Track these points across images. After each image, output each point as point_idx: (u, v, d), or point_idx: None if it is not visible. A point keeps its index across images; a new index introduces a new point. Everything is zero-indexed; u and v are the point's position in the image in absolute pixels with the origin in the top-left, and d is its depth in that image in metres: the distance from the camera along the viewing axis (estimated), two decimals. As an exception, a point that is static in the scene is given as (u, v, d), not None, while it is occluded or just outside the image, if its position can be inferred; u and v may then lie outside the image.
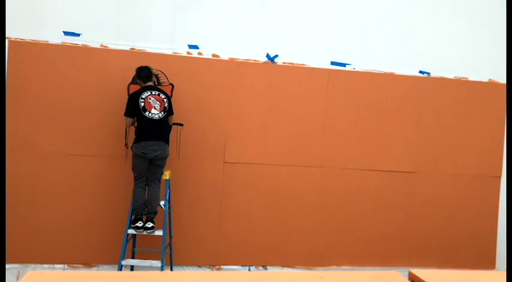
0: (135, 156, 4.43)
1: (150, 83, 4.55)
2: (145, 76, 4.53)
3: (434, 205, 5.42)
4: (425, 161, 5.41)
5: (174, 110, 4.61)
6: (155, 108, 4.39)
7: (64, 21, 4.75)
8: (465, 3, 5.49)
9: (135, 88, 4.76)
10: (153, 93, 4.43)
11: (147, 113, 4.38)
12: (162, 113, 4.43)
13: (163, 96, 4.46)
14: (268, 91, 5.11)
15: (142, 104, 4.38)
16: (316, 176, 5.20)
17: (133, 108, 4.39)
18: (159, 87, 4.66)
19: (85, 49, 4.79)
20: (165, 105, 4.45)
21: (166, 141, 4.52)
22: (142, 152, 4.35)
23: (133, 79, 4.74)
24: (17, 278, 4.65)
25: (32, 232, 4.69)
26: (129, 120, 4.48)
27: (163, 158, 4.48)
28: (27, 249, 4.69)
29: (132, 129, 4.57)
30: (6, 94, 4.49)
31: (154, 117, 4.39)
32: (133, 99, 4.42)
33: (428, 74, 5.43)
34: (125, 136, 4.74)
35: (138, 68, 4.55)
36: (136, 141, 4.41)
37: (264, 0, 5.14)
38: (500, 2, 5.38)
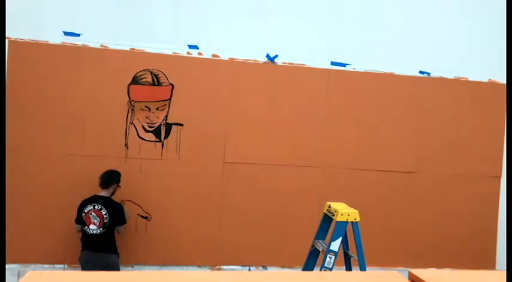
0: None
1: (105, 192, 4.47)
2: (102, 182, 4.47)
3: (434, 205, 5.42)
4: (425, 161, 5.41)
5: (126, 220, 4.54)
6: (94, 224, 4.36)
7: (64, 21, 4.75)
8: (465, 3, 5.48)
9: (135, 88, 4.77)
10: (96, 207, 4.38)
11: (86, 227, 4.38)
12: (101, 229, 4.37)
13: (104, 212, 4.37)
14: (268, 91, 5.11)
15: (83, 218, 4.39)
16: (316, 176, 5.20)
17: (79, 217, 4.42)
18: (160, 87, 4.66)
19: (85, 49, 4.78)
20: (105, 221, 4.37)
21: (110, 249, 4.43)
22: (82, 263, 4.41)
23: (133, 79, 4.75)
24: (17, 278, 4.65)
25: (32, 232, 4.70)
26: (77, 227, 4.48)
27: (108, 270, 4.27)
28: (27, 249, 4.69)
29: (133, 129, 4.58)
30: (6, 94, 4.48)
31: (94, 233, 4.36)
32: (80, 207, 4.43)
33: (428, 74, 5.43)
34: (125, 136, 4.75)
35: (103, 172, 4.50)
36: (81, 248, 4.44)
37: (264, 0, 5.14)
38: (500, 2, 5.37)
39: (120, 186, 4.62)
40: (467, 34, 5.48)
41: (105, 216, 4.38)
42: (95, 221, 4.36)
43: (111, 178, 4.51)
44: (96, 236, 4.36)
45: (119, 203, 4.58)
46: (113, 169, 4.60)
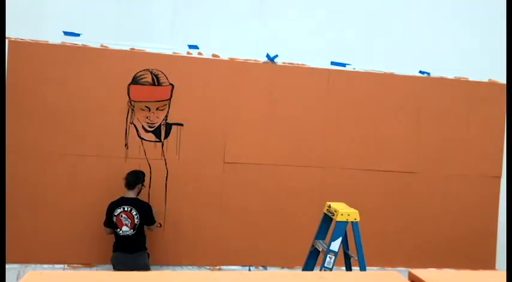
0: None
1: (132, 193, 4.49)
2: (128, 183, 4.50)
3: (434, 205, 5.42)
4: (425, 161, 5.41)
5: (155, 218, 4.58)
6: (126, 226, 4.40)
7: (64, 21, 4.75)
8: (465, 3, 5.48)
9: (135, 88, 4.76)
10: (126, 209, 4.41)
11: (118, 229, 4.41)
12: (132, 230, 4.41)
13: (134, 213, 4.41)
14: (268, 91, 5.11)
15: (114, 221, 4.42)
16: (316, 176, 5.20)
17: (110, 221, 4.44)
18: (160, 87, 4.66)
19: (85, 49, 4.78)
20: (136, 221, 4.41)
21: (142, 249, 4.52)
22: (114, 264, 4.47)
23: (133, 79, 4.75)
24: (17, 278, 4.65)
25: (32, 232, 4.70)
26: (107, 230, 4.52)
27: (138, 269, 4.27)
28: (27, 249, 4.69)
29: (133, 129, 4.58)
30: (6, 94, 4.48)
31: (126, 234, 4.41)
32: (109, 211, 4.45)
33: (428, 74, 5.43)
34: (125, 136, 4.75)
35: (128, 173, 4.54)
36: (113, 250, 4.49)
37: (264, 0, 5.13)
38: (500, 2, 5.37)
39: (144, 186, 4.66)
40: (467, 34, 5.47)
41: (135, 216, 4.42)
42: (126, 222, 4.39)
43: (136, 178, 4.54)
44: (129, 238, 4.41)
45: (147, 203, 4.62)
46: (137, 169, 4.65)
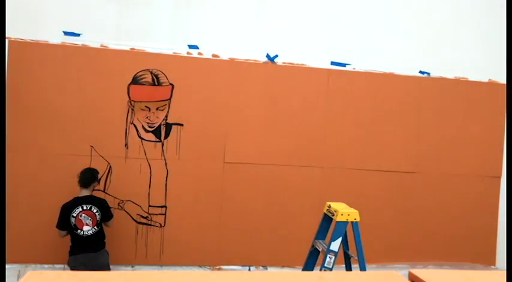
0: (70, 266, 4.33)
1: (87, 192, 4.37)
2: (83, 182, 4.36)
3: (434, 205, 5.42)
4: (425, 161, 5.41)
5: (112, 213, 4.50)
6: (87, 225, 4.27)
7: (64, 21, 4.75)
8: (465, 3, 5.49)
9: (135, 88, 4.76)
10: (85, 207, 4.28)
11: (78, 231, 4.25)
12: (95, 227, 4.31)
13: (95, 210, 4.30)
14: (268, 91, 5.11)
15: (73, 222, 4.25)
16: (316, 176, 5.20)
17: (65, 222, 4.26)
18: (160, 87, 4.65)
19: (85, 49, 4.78)
20: (97, 218, 4.31)
21: (103, 247, 4.41)
22: (74, 266, 4.27)
23: (133, 79, 4.74)
24: (17, 278, 4.65)
25: (32, 232, 4.70)
26: (61, 233, 4.32)
27: (100, 268, 4.24)
28: (27, 249, 4.69)
29: (133, 129, 4.57)
30: (6, 94, 4.48)
31: (88, 234, 4.28)
32: (65, 213, 4.26)
33: (428, 74, 5.43)
34: (125, 136, 4.75)
35: (81, 171, 4.41)
36: (71, 253, 4.32)
37: (264, 0, 5.14)
38: (500, 2, 5.37)
39: (99, 184, 4.57)
40: (467, 34, 5.48)
41: (97, 214, 4.31)
42: (87, 221, 4.28)
43: (92, 177, 4.42)
44: (92, 237, 4.29)
45: (103, 199, 4.52)
46: (90, 167, 4.53)
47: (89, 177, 4.40)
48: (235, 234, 5.06)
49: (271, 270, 5.13)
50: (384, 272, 1.43)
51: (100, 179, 4.61)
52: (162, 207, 4.92)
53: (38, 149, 4.71)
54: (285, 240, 5.13)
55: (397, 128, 5.35)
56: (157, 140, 4.92)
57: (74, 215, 4.25)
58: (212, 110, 5.01)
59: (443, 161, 5.44)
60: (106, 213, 4.41)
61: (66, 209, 4.27)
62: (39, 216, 4.71)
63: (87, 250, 4.27)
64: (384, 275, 1.42)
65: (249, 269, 5.09)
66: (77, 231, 4.26)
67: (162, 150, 4.92)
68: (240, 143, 5.07)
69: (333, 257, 3.75)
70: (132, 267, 4.92)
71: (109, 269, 4.39)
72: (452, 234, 5.45)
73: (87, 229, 4.28)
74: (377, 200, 5.31)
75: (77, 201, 4.30)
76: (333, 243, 3.75)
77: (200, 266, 5.04)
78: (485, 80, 5.53)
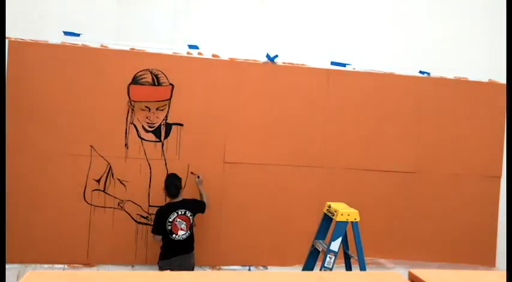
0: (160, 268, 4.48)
1: (178, 198, 4.50)
2: (174, 193, 4.48)
3: (434, 205, 5.42)
4: (425, 161, 5.41)
5: (203, 202, 4.63)
6: (182, 229, 4.42)
7: (64, 21, 4.75)
8: (465, 3, 5.48)
9: (135, 88, 4.75)
10: (179, 213, 4.42)
11: (174, 235, 4.41)
12: (189, 231, 4.48)
13: (189, 214, 4.46)
14: (268, 91, 5.11)
15: (169, 227, 4.39)
16: (316, 176, 5.20)
17: (161, 227, 4.39)
18: (160, 87, 4.65)
19: (85, 49, 4.78)
20: (191, 221, 4.48)
21: (194, 248, 4.58)
22: (167, 268, 4.37)
23: (133, 79, 4.74)
24: (17, 278, 4.65)
25: (32, 232, 4.69)
26: (157, 237, 4.47)
27: (191, 268, 4.54)
28: (27, 249, 4.69)
29: (133, 129, 4.57)
30: (6, 94, 4.48)
31: (182, 238, 4.44)
32: (161, 218, 4.41)
33: (428, 74, 5.43)
34: (125, 136, 4.74)
35: (166, 179, 4.54)
36: (162, 257, 4.48)
37: (264, 0, 5.14)
38: (500, 2, 5.37)
39: (184, 187, 4.70)
40: (468, 34, 5.48)
41: (190, 217, 4.46)
42: (182, 226, 4.40)
43: (178, 186, 4.53)
44: (185, 240, 4.45)
45: (192, 199, 4.61)
46: (173, 177, 4.58)
47: (177, 188, 4.50)
48: (235, 234, 5.06)
49: (271, 270, 5.13)
50: (384, 272, 1.43)
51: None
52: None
53: (38, 149, 4.71)
54: (285, 240, 5.13)
55: (397, 128, 5.35)
56: (157, 140, 4.92)
57: (170, 220, 4.39)
58: (212, 110, 5.01)
59: (443, 161, 5.44)
60: (199, 209, 4.56)
61: (162, 214, 4.42)
62: (39, 216, 4.71)
63: (182, 252, 4.45)
64: (384, 275, 1.42)
65: (249, 269, 5.09)
66: (172, 236, 4.39)
67: (162, 150, 4.92)
68: (240, 143, 5.07)
69: (333, 257, 3.75)
70: (132, 267, 4.92)
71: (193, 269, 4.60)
72: (452, 234, 5.45)
73: (182, 233, 4.41)
74: (377, 200, 5.30)
75: (172, 207, 4.45)
76: (333, 243, 3.75)
77: (200, 266, 5.04)
78: (485, 80, 5.53)
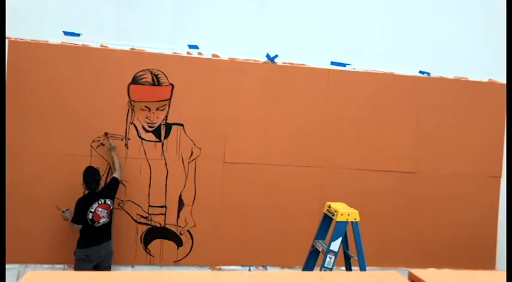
0: (78, 260, 4.38)
1: (98, 188, 4.43)
2: (94, 187, 4.39)
3: (434, 205, 5.42)
4: (425, 161, 5.41)
5: (117, 174, 4.57)
6: (103, 217, 4.39)
7: (64, 21, 4.75)
8: (465, 3, 5.48)
9: (135, 88, 4.75)
10: (100, 202, 4.37)
11: (95, 223, 4.35)
12: (109, 217, 4.45)
13: (109, 202, 4.43)
14: (268, 91, 5.11)
15: (90, 217, 4.32)
16: (316, 176, 5.20)
17: (82, 217, 4.31)
18: (160, 87, 4.66)
19: (85, 49, 4.78)
20: (111, 208, 4.45)
21: (110, 237, 4.53)
22: (86, 255, 4.33)
23: (133, 79, 4.74)
24: (17, 278, 4.65)
25: (32, 232, 4.69)
26: (77, 227, 4.35)
27: (109, 256, 4.50)
28: (27, 249, 4.69)
29: (133, 129, 4.56)
30: (6, 94, 4.48)
31: (102, 224, 4.40)
32: (81, 209, 4.32)
33: (428, 74, 5.43)
34: (125, 136, 4.74)
35: (85, 174, 4.42)
36: (81, 245, 4.36)
37: (264, 0, 5.14)
38: (500, 2, 5.37)
39: (102, 175, 4.63)
40: (467, 34, 5.48)
41: (110, 204, 4.45)
42: (103, 214, 4.39)
43: (98, 180, 4.45)
44: (105, 226, 4.43)
45: (106, 186, 4.54)
46: (90, 169, 4.49)
47: (95, 180, 4.43)
48: (235, 234, 5.06)
49: (271, 270, 5.13)
50: (384, 272, 1.43)
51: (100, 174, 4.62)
52: (162, 207, 4.92)
53: (37, 149, 4.71)
54: (285, 240, 5.13)
55: (397, 128, 5.35)
56: (157, 140, 4.92)
57: (92, 210, 4.33)
58: (212, 110, 5.01)
59: (443, 161, 5.44)
60: (115, 189, 4.55)
61: (83, 205, 4.35)
62: (39, 216, 4.71)
63: (102, 240, 4.41)
64: (384, 275, 1.42)
65: (249, 269, 5.09)
66: (93, 224, 4.35)
67: (162, 150, 4.92)
68: (240, 143, 5.07)
69: (333, 257, 3.75)
70: (132, 267, 4.92)
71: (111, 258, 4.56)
72: (452, 234, 5.45)
73: (103, 221, 4.40)
74: (377, 200, 5.30)
75: (94, 197, 4.38)
76: (333, 243, 3.75)
77: (200, 266, 5.04)
78: (485, 80, 5.53)
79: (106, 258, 4.46)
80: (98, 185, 4.44)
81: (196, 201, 4.99)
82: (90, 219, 4.32)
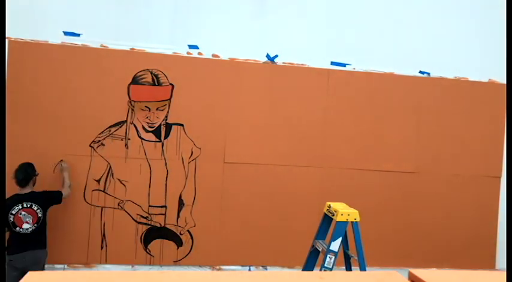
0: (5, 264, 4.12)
1: (27, 189, 4.25)
2: (21, 179, 4.22)
3: (434, 205, 5.42)
4: (425, 161, 5.41)
5: (60, 193, 4.39)
6: (27, 223, 4.15)
7: (64, 21, 4.75)
8: (465, 3, 5.48)
9: (135, 88, 4.75)
10: (25, 205, 4.17)
11: (17, 228, 4.14)
12: (36, 225, 4.20)
13: (36, 208, 4.20)
14: (268, 91, 5.11)
15: (11, 219, 4.12)
16: (316, 176, 5.20)
17: (6, 220, 4.11)
18: (160, 87, 4.66)
19: (85, 49, 4.78)
20: (39, 215, 4.22)
21: (43, 246, 4.30)
22: (10, 260, 4.12)
23: (133, 79, 4.74)
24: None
25: (32, 232, 4.69)
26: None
27: (36, 268, 4.02)
28: (27, 249, 4.68)
29: (133, 129, 4.56)
30: (6, 94, 4.48)
31: (28, 232, 4.17)
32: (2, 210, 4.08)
33: (428, 74, 5.43)
34: (125, 136, 4.74)
35: (18, 167, 4.25)
36: (9, 251, 4.15)
37: (263, 0, 5.14)
38: (500, 2, 5.37)
39: (37, 175, 4.41)
40: (467, 34, 5.48)
41: (38, 211, 4.21)
42: (28, 219, 4.17)
43: (28, 174, 4.29)
44: (33, 234, 4.19)
45: (43, 191, 4.37)
46: (24, 163, 4.36)
47: (25, 175, 4.26)
48: (236, 234, 5.06)
49: (271, 270, 5.13)
50: (384, 272, 1.43)
51: (36, 172, 4.44)
52: (162, 207, 4.92)
53: (38, 149, 4.70)
54: (285, 240, 5.13)
55: (397, 128, 5.35)
56: (157, 140, 4.92)
57: (13, 212, 4.13)
58: (212, 110, 5.01)
59: (443, 161, 5.44)
60: (53, 200, 4.32)
61: (6, 206, 4.12)
62: (39, 216, 4.70)
63: (27, 248, 4.16)
64: (384, 275, 1.42)
65: (249, 269, 5.09)
66: (16, 229, 4.15)
67: (162, 150, 4.92)
68: (240, 143, 5.07)
69: (333, 257, 3.75)
70: (132, 267, 4.92)
71: (43, 269, 4.27)
72: (452, 234, 5.44)
73: (27, 227, 4.16)
74: (377, 200, 5.30)
75: (18, 199, 4.20)
76: (333, 243, 3.75)
77: (200, 266, 5.04)
78: (485, 80, 5.53)
79: (33, 267, 4.07)
80: (26, 181, 4.24)
81: (196, 201, 5.00)
82: (12, 223, 4.12)
